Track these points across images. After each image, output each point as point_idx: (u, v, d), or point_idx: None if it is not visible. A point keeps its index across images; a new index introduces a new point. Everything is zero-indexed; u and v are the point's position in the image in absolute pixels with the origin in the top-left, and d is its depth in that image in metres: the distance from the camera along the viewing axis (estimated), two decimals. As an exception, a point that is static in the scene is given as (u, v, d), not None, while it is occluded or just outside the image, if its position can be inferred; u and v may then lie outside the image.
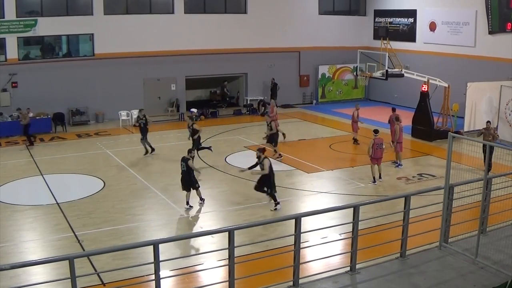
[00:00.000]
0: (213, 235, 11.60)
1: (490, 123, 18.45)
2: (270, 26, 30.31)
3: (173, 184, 16.28)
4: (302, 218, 8.25)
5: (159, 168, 19.04)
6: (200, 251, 11.83)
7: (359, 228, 8.77)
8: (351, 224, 8.80)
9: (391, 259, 9.30)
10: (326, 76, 32.57)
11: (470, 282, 8.49)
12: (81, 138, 23.78)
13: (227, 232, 7.64)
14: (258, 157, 14.63)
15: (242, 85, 31.32)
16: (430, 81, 23.23)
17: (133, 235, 13.12)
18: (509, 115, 21.98)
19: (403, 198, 9.35)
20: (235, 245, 7.61)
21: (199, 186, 14.82)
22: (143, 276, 10.03)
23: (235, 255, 7.71)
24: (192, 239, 12.53)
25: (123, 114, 26.37)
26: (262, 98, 30.04)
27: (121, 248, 9.80)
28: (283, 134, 21.79)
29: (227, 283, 7.84)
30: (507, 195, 10.45)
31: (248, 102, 30.41)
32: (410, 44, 29.80)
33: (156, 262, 7.17)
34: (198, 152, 19.45)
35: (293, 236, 8.19)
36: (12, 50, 24.89)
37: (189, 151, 15.20)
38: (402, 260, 9.26)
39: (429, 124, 22.89)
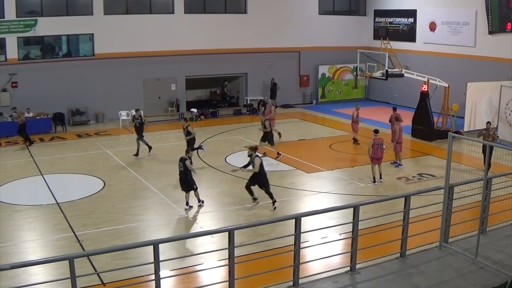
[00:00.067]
0: (213, 235, 11.59)
1: (490, 124, 18.36)
2: (270, 26, 30.30)
3: (173, 184, 16.30)
4: (302, 218, 8.25)
5: (159, 168, 19.02)
6: (200, 251, 11.81)
7: (359, 228, 8.77)
8: (351, 224, 8.81)
9: (391, 259, 9.30)
10: (326, 76, 32.56)
11: (470, 282, 8.49)
12: (81, 138, 23.77)
13: (227, 232, 7.64)
14: (250, 156, 14.67)
15: (242, 85, 31.32)
16: (430, 81, 23.22)
17: (133, 235, 13.12)
18: (509, 115, 21.97)
19: (403, 198, 9.35)
20: (235, 245, 7.62)
21: (197, 188, 14.76)
22: (143, 276, 10.02)
23: (235, 255, 7.71)
24: (192, 239, 12.50)
25: (123, 114, 26.34)
26: (262, 98, 30.04)
27: (121, 248, 9.81)
28: (279, 133, 21.81)
29: (227, 283, 7.85)
30: (507, 195, 10.45)
31: (248, 102, 30.40)
32: (410, 44, 29.79)
33: (156, 262, 7.17)
34: (198, 152, 19.42)
35: (293, 236, 8.19)
36: (12, 50, 24.88)
37: (187, 152, 15.28)
38: (402, 260, 9.26)
39: (429, 124, 22.89)
